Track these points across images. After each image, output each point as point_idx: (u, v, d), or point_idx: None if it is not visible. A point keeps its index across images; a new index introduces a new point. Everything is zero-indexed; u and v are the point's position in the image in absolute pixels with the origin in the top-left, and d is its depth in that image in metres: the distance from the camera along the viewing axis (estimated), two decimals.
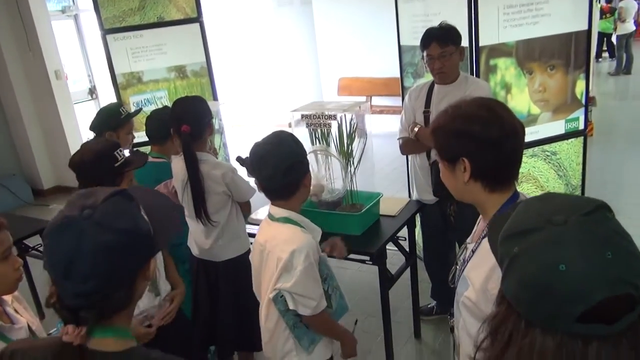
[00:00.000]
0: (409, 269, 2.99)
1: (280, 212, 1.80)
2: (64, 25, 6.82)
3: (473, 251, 1.42)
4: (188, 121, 2.35)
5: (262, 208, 2.78)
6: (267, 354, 1.90)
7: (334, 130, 2.47)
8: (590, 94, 4.12)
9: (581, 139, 3.43)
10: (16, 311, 1.50)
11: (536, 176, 3.38)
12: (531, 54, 3.14)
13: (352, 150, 2.51)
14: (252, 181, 2.65)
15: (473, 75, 3.02)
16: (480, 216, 1.46)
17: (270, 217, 1.84)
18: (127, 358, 0.98)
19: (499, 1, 2.99)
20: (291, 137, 1.82)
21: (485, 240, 1.35)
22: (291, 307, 1.75)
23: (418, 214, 3.03)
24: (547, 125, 3.31)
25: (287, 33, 7.95)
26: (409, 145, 2.90)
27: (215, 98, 4.20)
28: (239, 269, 2.50)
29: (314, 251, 1.76)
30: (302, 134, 2.42)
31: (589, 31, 3.23)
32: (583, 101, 3.36)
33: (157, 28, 3.98)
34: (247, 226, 2.64)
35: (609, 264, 0.69)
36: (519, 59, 3.14)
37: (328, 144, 2.52)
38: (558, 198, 0.81)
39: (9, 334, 1.38)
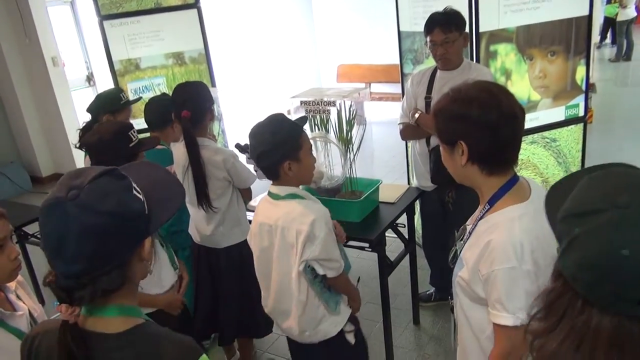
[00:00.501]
0: (408, 255, 2.99)
1: (284, 189, 1.85)
2: (60, 12, 6.76)
3: (470, 233, 1.43)
4: (189, 107, 2.35)
5: (262, 194, 2.78)
6: (302, 326, 1.95)
7: (333, 116, 2.46)
8: (591, 81, 4.10)
9: (581, 125, 3.42)
10: (19, 297, 1.50)
11: (535, 163, 3.38)
12: (532, 39, 3.12)
13: (351, 137, 2.50)
14: (252, 167, 2.66)
15: (473, 61, 3.00)
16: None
17: (274, 196, 1.87)
18: (127, 339, 0.97)
19: None
20: (283, 117, 1.86)
21: (482, 221, 1.38)
22: (321, 272, 1.85)
23: (417, 201, 3.04)
24: (547, 112, 3.30)
25: (285, 19, 7.89)
26: (409, 131, 2.89)
27: (213, 85, 4.17)
28: (241, 256, 2.51)
29: (328, 218, 1.85)
30: None
31: (589, 17, 3.21)
32: (583, 87, 3.34)
33: (155, 14, 3.94)
34: (248, 213, 2.64)
35: None
36: (520, 44, 3.11)
37: (327, 131, 2.51)
38: (623, 176, 0.78)
39: (10, 321, 1.39)
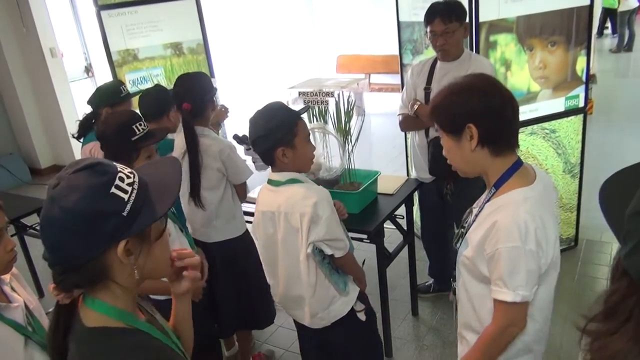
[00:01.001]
0: (406, 247, 2.99)
1: (284, 175, 1.87)
2: (58, 2, 6.72)
3: (476, 215, 1.48)
4: (189, 99, 2.34)
5: (258, 187, 2.78)
6: (314, 309, 1.98)
7: (332, 107, 2.45)
8: (591, 72, 4.08)
9: (581, 116, 3.41)
10: (14, 290, 1.50)
11: (535, 154, 3.37)
12: (532, 29, 3.10)
13: (350, 128, 2.49)
14: (250, 159, 2.65)
15: (472, 51, 2.98)
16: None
17: (275, 183, 1.89)
18: (89, 335, 0.97)
19: None
20: (280, 105, 1.89)
21: (488, 204, 1.44)
22: (328, 252, 1.88)
23: (416, 193, 3.03)
24: (547, 103, 3.28)
25: (285, 9, 7.84)
26: (408, 122, 2.88)
27: (212, 75, 4.15)
28: (236, 251, 2.50)
29: (329, 198, 1.87)
30: None
31: (590, 7, 3.18)
32: (584, 78, 3.32)
33: (153, 4, 3.91)
34: (248, 205, 2.59)
35: None
36: (520, 34, 3.09)
37: (326, 122, 2.50)
38: None
39: (5, 313, 1.39)
